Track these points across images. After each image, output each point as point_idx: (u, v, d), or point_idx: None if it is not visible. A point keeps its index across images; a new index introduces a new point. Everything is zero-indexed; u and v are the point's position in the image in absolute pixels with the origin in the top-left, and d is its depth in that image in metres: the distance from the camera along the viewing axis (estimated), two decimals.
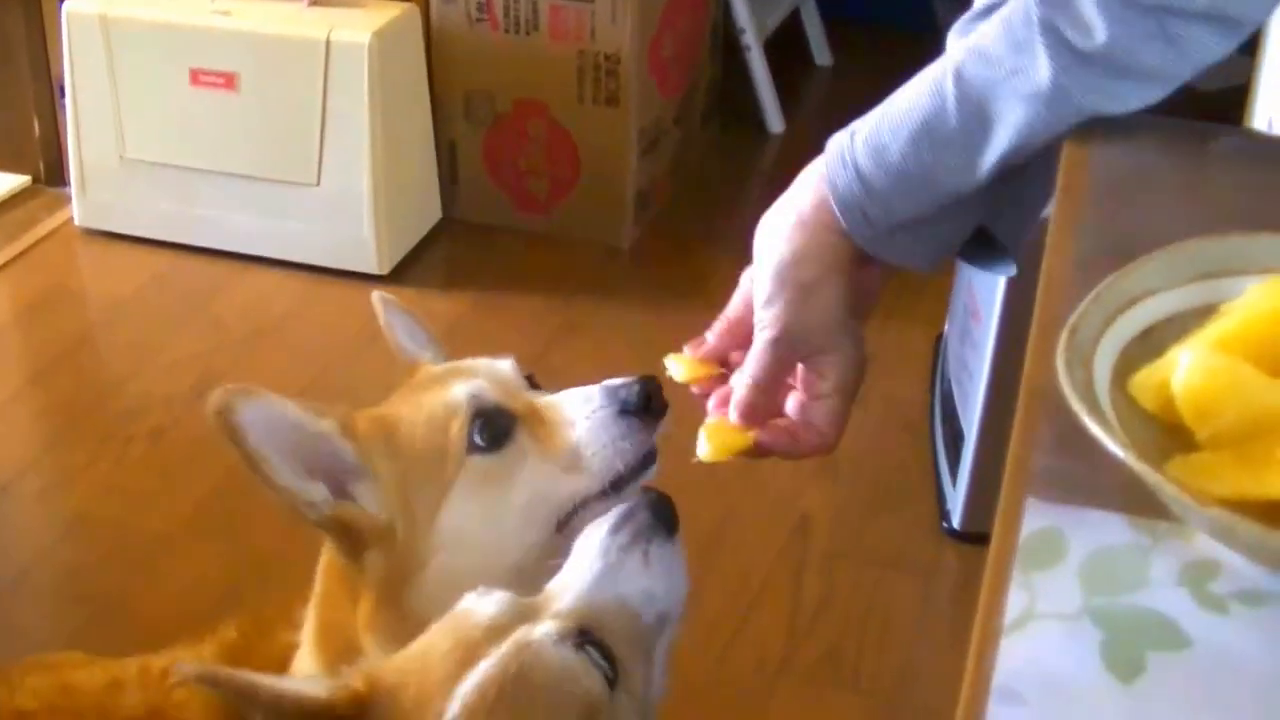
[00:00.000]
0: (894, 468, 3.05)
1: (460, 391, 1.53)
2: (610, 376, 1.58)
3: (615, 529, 1.33)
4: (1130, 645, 0.86)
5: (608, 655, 1.24)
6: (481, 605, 1.27)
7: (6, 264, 3.61)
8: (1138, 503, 0.95)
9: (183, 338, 3.39)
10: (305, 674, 1.53)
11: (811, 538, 2.86)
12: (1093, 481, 0.97)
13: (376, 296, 1.72)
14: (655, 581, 1.31)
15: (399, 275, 3.57)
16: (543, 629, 1.23)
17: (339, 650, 1.55)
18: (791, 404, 1.42)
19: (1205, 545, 0.93)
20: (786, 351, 1.36)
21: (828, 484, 2.97)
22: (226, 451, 3.04)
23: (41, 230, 3.71)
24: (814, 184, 1.35)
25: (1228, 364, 0.93)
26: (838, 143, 1.33)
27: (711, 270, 3.73)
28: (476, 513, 1.52)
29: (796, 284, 1.33)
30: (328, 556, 1.61)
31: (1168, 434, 0.95)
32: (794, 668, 2.62)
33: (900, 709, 2.58)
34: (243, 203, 3.54)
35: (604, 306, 3.52)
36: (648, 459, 1.54)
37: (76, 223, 3.69)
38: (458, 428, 1.51)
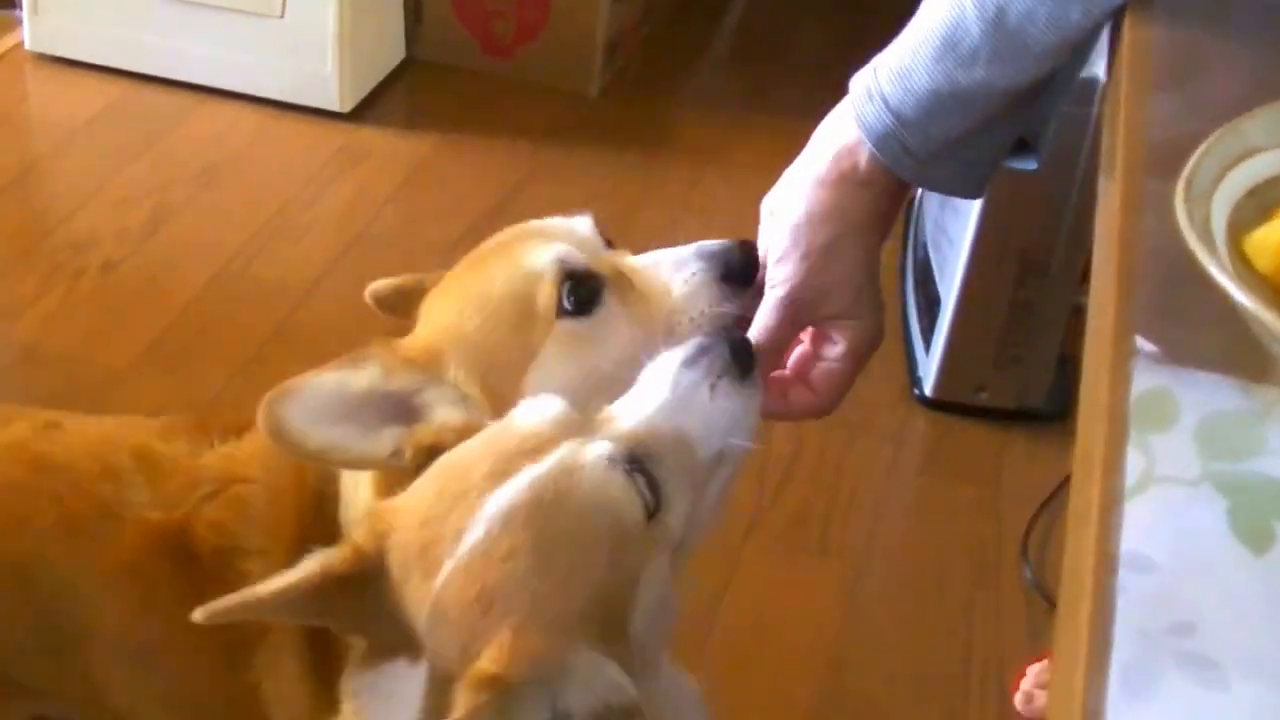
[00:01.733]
0: None
1: (544, 255, 1.47)
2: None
3: (689, 361, 1.26)
4: (1258, 514, 0.81)
5: (654, 485, 1.17)
6: (528, 415, 1.20)
7: None
8: (1244, 368, 0.91)
9: (136, 170, 3.28)
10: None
11: None
12: (1195, 344, 0.93)
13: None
14: (717, 418, 1.24)
15: (360, 114, 3.47)
16: (596, 449, 1.16)
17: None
18: (793, 358, 1.36)
19: None
20: (796, 313, 1.30)
21: None
22: (181, 288, 2.98)
23: None
24: (833, 136, 1.28)
25: None
26: (861, 81, 1.26)
27: (677, 121, 3.67)
28: (563, 377, 1.45)
29: (812, 244, 1.27)
30: None
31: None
32: (762, 530, 2.59)
33: (867, 573, 2.56)
34: (203, 32, 3.42)
35: (569, 153, 3.45)
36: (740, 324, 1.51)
37: (27, 46, 3.56)
38: (547, 292, 1.45)
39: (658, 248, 1.51)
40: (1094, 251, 1.08)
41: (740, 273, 1.48)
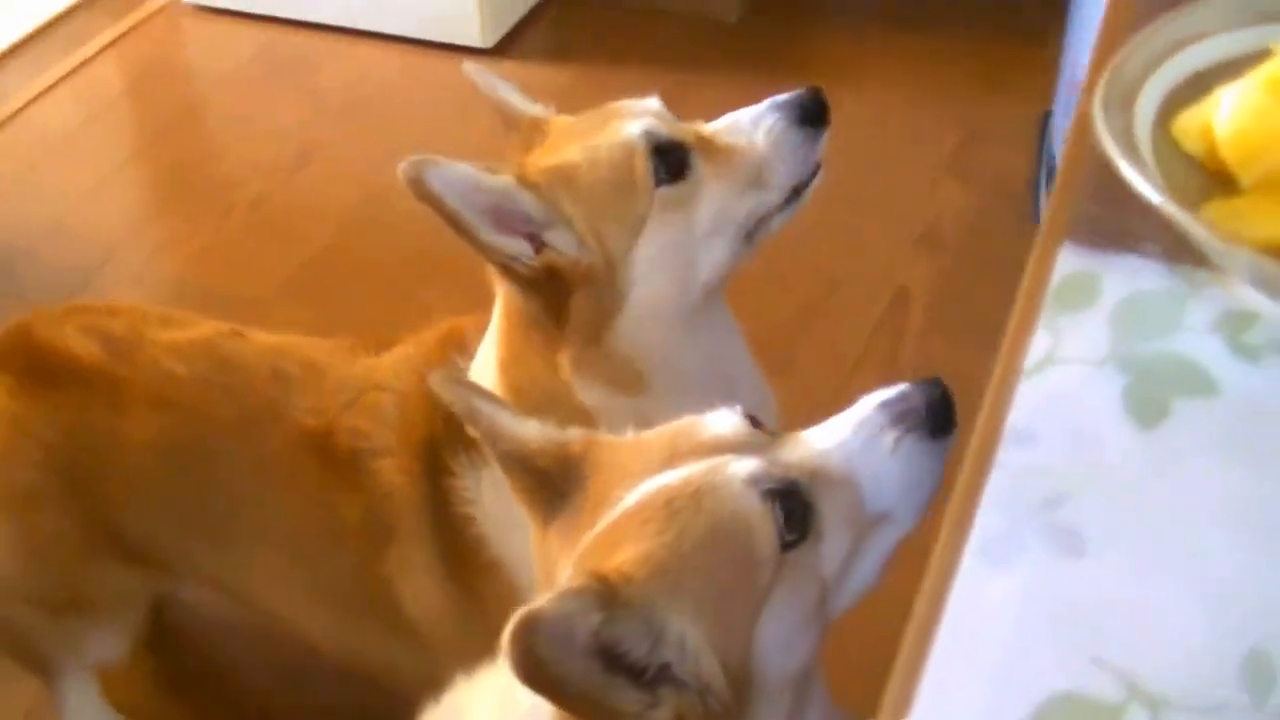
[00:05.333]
0: (995, 242, 2.99)
1: (633, 129, 1.57)
2: None
3: (885, 405, 1.22)
4: (1155, 391, 0.83)
5: (807, 519, 1.17)
6: (715, 421, 1.24)
7: (119, 38, 3.63)
8: (1177, 250, 0.92)
9: (283, 109, 3.39)
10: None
11: (910, 311, 2.83)
12: (1133, 228, 0.94)
13: (468, 67, 1.73)
14: (893, 473, 1.21)
15: (504, 48, 3.52)
16: (744, 465, 1.18)
17: (522, 381, 1.63)
18: None
19: (1244, 294, 0.89)
20: None
21: (927, 257, 2.93)
22: (323, 222, 3.08)
23: (152, 5, 3.71)
24: None
25: (1274, 103, 0.89)
26: None
27: (819, 47, 3.66)
28: (669, 239, 1.57)
29: None
30: (505, 306, 1.65)
31: (1212, 178, 0.91)
32: None
33: None
34: None
35: (707, 80, 3.46)
36: (817, 168, 1.62)
37: None
38: (641, 164, 1.55)
39: None
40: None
41: (816, 115, 1.60)
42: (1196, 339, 0.87)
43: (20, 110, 3.38)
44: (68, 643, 2.03)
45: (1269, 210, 0.86)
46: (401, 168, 1.50)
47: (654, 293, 1.59)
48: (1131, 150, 0.88)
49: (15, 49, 3.55)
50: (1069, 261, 0.92)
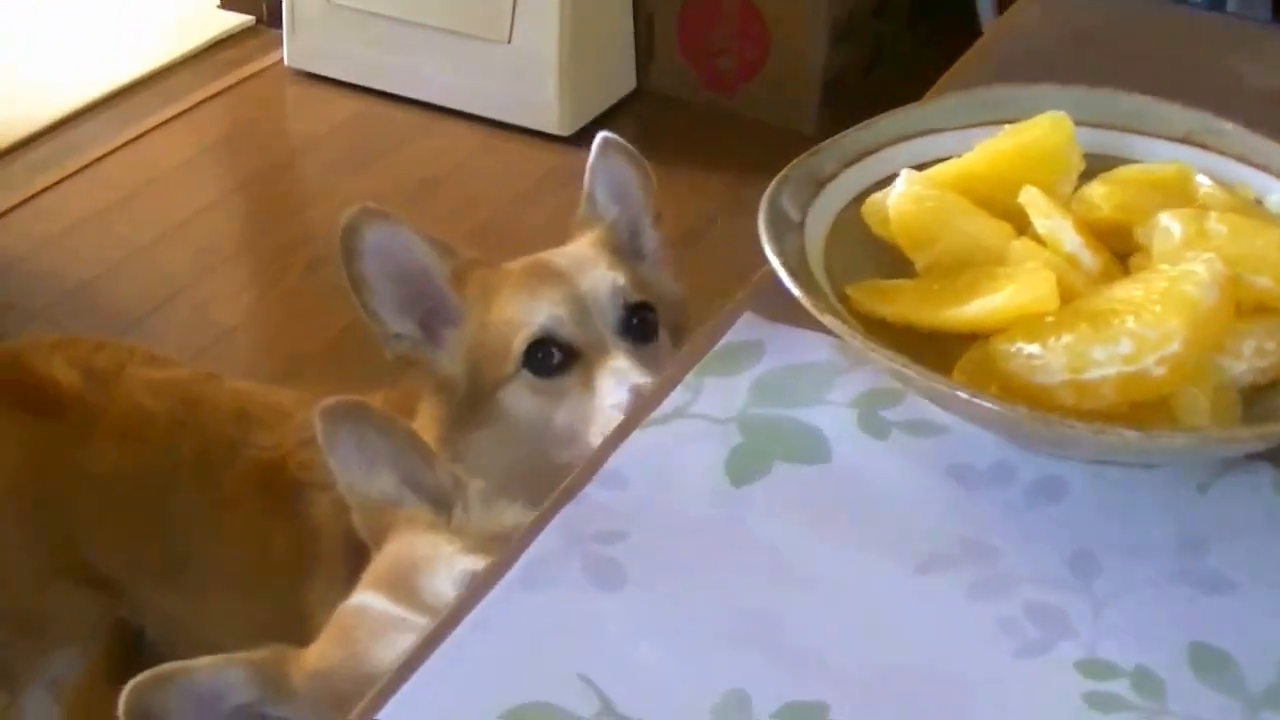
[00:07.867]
0: None
1: (540, 313, 1.57)
2: None
3: None
4: (761, 452, 0.86)
5: None
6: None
7: (219, 94, 3.77)
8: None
9: (362, 177, 3.49)
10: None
11: None
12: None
13: (601, 137, 1.76)
14: None
15: (580, 138, 3.59)
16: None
17: None
18: None
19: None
20: None
21: None
22: None
23: (255, 66, 3.85)
24: None
25: (935, 194, 0.92)
26: None
27: None
28: (523, 414, 1.59)
29: None
30: None
31: (903, 259, 0.93)
32: None
33: None
34: (437, 54, 3.61)
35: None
36: None
37: (286, 63, 3.82)
38: (520, 342, 1.57)
39: None
40: None
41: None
42: (831, 411, 0.89)
43: (112, 152, 3.52)
44: (29, 657, 2.10)
45: (906, 292, 0.89)
46: (347, 212, 1.55)
47: (506, 439, 1.59)
48: (784, 236, 0.90)
49: (118, 94, 3.70)
50: (741, 330, 0.95)
